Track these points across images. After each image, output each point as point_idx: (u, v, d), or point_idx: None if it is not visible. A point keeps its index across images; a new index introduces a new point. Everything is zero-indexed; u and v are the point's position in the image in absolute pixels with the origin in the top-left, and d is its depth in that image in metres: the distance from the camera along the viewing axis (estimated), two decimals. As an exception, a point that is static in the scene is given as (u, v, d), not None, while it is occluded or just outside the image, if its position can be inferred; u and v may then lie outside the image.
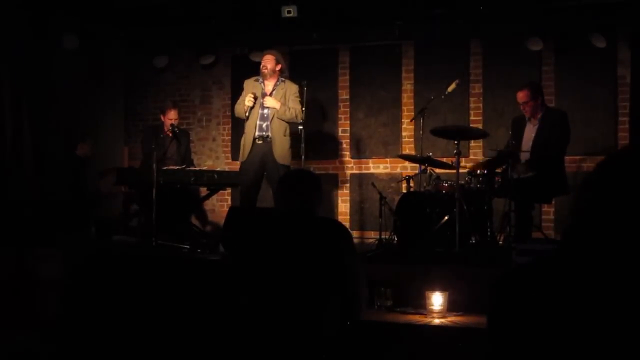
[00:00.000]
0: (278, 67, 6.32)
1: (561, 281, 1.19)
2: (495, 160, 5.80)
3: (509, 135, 6.11)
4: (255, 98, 6.23)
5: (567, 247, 1.22)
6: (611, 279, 1.15)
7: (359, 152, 7.99)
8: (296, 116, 6.22)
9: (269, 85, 6.33)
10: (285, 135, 6.25)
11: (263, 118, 6.24)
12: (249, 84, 6.39)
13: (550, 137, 5.79)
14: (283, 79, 6.39)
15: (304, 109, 6.21)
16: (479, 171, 5.89)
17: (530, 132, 5.96)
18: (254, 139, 6.22)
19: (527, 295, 1.20)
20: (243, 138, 6.33)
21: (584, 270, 1.17)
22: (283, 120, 6.23)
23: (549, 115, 5.94)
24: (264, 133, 6.22)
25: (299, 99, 6.28)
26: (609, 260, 1.16)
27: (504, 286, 1.25)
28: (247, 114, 6.24)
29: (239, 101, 6.42)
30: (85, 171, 7.37)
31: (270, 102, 6.21)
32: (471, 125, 7.34)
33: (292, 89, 6.31)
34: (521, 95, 5.93)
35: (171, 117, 7.06)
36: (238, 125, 6.37)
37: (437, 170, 6.22)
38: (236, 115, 6.52)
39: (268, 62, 6.29)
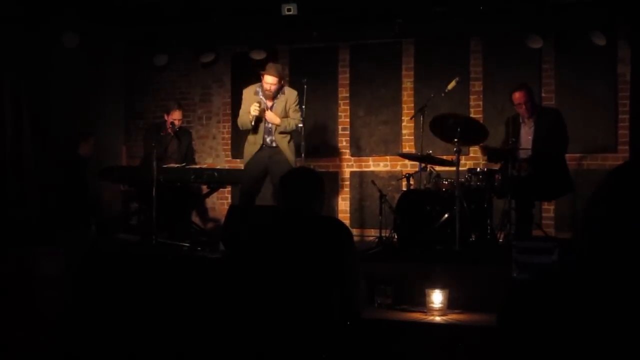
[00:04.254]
0: (281, 83, 6.25)
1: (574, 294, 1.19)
2: (497, 152, 5.80)
3: (505, 134, 6.11)
4: (261, 108, 6.13)
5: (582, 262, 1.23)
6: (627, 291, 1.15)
7: (359, 150, 7.99)
8: (296, 125, 6.21)
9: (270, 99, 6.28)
10: (289, 143, 6.27)
11: (268, 132, 6.25)
12: (250, 96, 6.27)
13: (549, 136, 5.80)
14: (283, 89, 6.34)
15: (303, 106, 6.19)
16: (478, 168, 5.90)
17: (527, 134, 5.97)
18: (262, 145, 6.23)
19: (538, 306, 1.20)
20: (250, 141, 6.28)
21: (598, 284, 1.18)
22: (285, 132, 6.25)
23: (544, 114, 5.94)
24: (271, 144, 6.26)
25: (299, 106, 6.26)
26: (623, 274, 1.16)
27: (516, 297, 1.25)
28: (252, 123, 6.14)
29: (242, 112, 6.30)
30: (86, 170, 7.37)
31: (270, 117, 6.19)
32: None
33: (292, 98, 6.27)
34: (518, 96, 5.92)
35: (175, 117, 7.04)
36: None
37: (437, 168, 6.23)
38: (241, 127, 6.36)
39: (272, 85, 6.13)
